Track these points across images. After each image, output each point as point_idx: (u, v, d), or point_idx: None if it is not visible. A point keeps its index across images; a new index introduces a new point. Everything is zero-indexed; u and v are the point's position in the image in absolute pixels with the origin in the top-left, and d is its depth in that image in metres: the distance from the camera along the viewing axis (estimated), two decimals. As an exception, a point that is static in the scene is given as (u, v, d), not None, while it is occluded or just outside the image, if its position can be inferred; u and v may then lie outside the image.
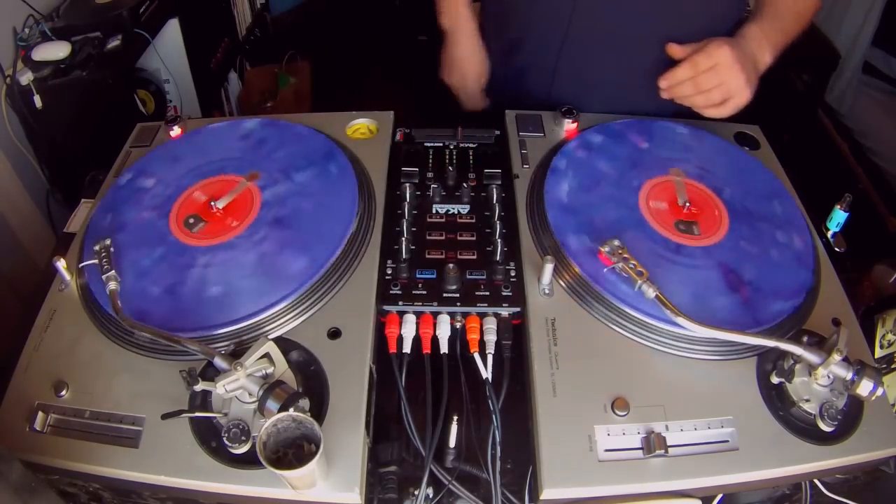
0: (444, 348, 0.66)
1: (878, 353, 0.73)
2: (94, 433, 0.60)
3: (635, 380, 0.63)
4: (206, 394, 0.60)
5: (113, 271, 0.66)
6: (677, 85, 0.80)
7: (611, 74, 0.95)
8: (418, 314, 0.68)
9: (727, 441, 0.60)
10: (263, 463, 0.50)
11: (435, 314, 0.68)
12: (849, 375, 0.57)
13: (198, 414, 0.58)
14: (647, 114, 0.91)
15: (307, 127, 0.87)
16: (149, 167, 0.83)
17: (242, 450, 0.55)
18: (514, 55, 1.01)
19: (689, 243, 0.72)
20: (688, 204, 0.75)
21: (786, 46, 0.86)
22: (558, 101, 0.91)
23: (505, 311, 0.68)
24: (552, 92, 0.98)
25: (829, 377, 0.60)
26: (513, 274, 0.71)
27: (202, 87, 2.02)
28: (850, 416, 0.61)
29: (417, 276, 0.71)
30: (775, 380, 0.62)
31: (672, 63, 0.82)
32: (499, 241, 0.73)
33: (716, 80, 0.77)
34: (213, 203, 0.75)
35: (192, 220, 0.74)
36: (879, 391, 0.56)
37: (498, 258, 0.72)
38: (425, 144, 0.87)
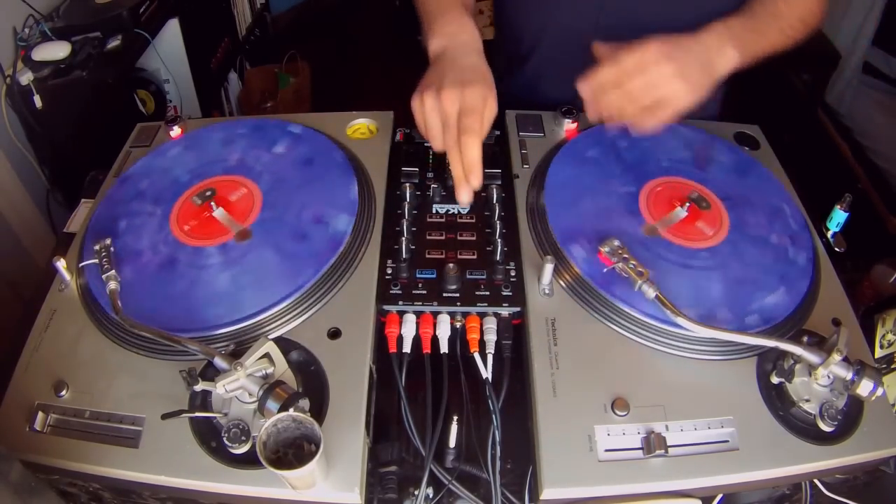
0: (444, 348, 0.66)
1: (878, 353, 0.73)
2: (94, 433, 0.60)
3: (635, 380, 0.63)
4: (206, 394, 0.60)
5: (113, 271, 0.66)
6: (602, 94, 0.71)
7: None
8: (418, 314, 0.68)
9: (727, 441, 0.60)
10: (263, 463, 0.50)
11: (435, 314, 0.68)
12: (849, 375, 0.57)
13: (198, 414, 0.58)
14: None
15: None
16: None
17: (242, 450, 0.55)
18: (529, 60, 0.98)
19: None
20: (688, 205, 0.75)
21: (770, 50, 0.79)
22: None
23: (505, 311, 0.68)
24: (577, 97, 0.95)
25: (829, 377, 0.60)
26: (513, 274, 0.71)
27: (202, 87, 2.02)
28: (850, 416, 0.61)
29: (417, 275, 0.71)
30: (775, 380, 0.62)
31: None
32: (499, 241, 0.73)
33: (643, 79, 0.68)
34: (212, 204, 0.75)
35: (208, 193, 0.75)
36: (879, 391, 0.56)
37: (498, 258, 0.72)
38: (425, 144, 0.87)
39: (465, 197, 0.72)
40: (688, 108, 0.70)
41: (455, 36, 0.76)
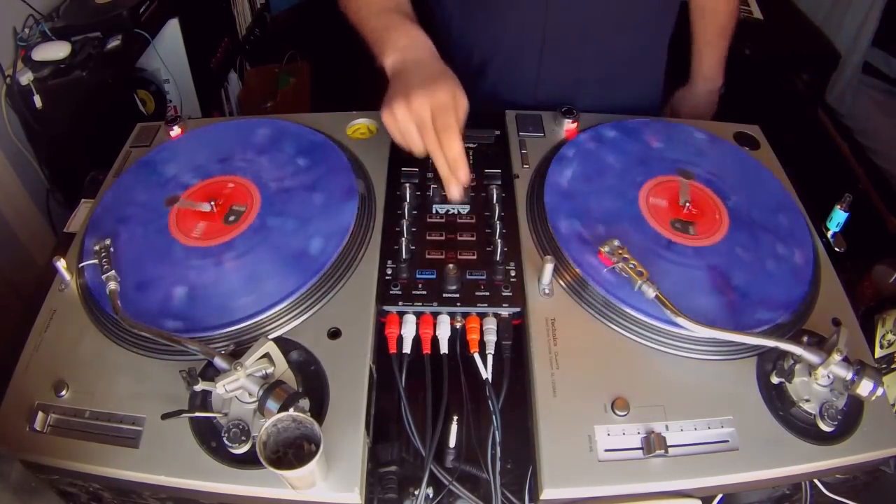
0: (444, 348, 0.66)
1: (878, 353, 0.73)
2: (94, 433, 0.60)
3: (635, 380, 0.63)
4: (206, 394, 0.60)
5: (113, 271, 0.67)
6: None
7: (594, 69, 0.97)
8: (418, 314, 0.68)
9: (727, 441, 0.60)
10: (263, 463, 0.50)
11: (435, 314, 0.68)
12: (849, 375, 0.57)
13: (198, 414, 0.58)
14: (636, 106, 0.96)
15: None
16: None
17: (242, 450, 0.55)
18: (484, 74, 1.00)
19: (688, 243, 0.72)
20: (688, 204, 0.75)
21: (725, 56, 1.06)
22: (545, 106, 0.92)
23: (505, 312, 0.68)
24: (537, 96, 0.99)
25: (829, 377, 0.60)
26: (513, 274, 0.71)
27: (202, 87, 2.02)
28: (850, 416, 0.61)
29: (417, 276, 0.71)
30: (775, 380, 0.62)
31: (641, 43, 0.98)
32: (499, 241, 0.73)
33: None
34: (211, 202, 0.75)
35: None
36: (879, 391, 0.56)
37: (498, 258, 0.72)
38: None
39: (455, 193, 0.73)
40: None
41: (409, 48, 0.77)
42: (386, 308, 0.69)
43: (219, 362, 0.57)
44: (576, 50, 0.94)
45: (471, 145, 0.87)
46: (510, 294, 0.69)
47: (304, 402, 0.55)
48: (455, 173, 0.72)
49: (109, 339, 0.66)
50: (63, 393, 0.61)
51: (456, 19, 1.00)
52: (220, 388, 0.55)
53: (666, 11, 0.98)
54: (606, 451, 0.59)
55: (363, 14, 0.84)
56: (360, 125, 0.90)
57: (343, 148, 0.84)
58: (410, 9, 0.87)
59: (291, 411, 0.52)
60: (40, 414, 0.61)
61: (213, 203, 0.75)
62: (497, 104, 0.96)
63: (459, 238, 0.75)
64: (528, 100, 0.99)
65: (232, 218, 0.75)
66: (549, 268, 0.68)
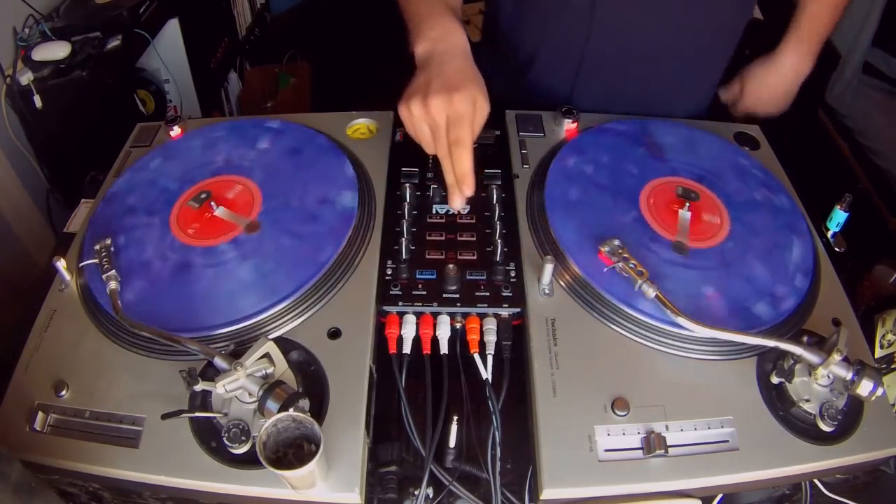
0: (444, 349, 0.66)
1: (878, 353, 0.73)
2: (94, 433, 0.60)
3: (635, 380, 0.63)
4: (206, 394, 0.60)
5: (113, 271, 0.67)
6: None
7: (632, 90, 0.95)
8: (418, 315, 0.68)
9: (727, 441, 0.60)
10: (263, 463, 0.50)
11: (435, 315, 0.68)
12: (849, 375, 0.57)
13: (198, 414, 0.58)
14: (669, 116, 0.92)
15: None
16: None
17: (242, 450, 0.55)
18: (521, 79, 0.98)
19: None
20: (687, 205, 0.75)
21: (828, 31, 0.94)
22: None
23: (505, 312, 0.68)
24: (574, 100, 0.96)
25: (829, 377, 0.60)
26: (513, 274, 0.71)
27: (202, 87, 2.02)
28: (850, 416, 0.61)
29: (417, 276, 0.71)
30: (775, 380, 0.62)
31: (687, 76, 0.94)
32: (499, 241, 0.73)
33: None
34: (212, 203, 0.75)
35: (204, 195, 0.76)
36: (879, 391, 0.56)
37: (498, 258, 0.72)
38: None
39: (457, 203, 0.73)
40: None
41: (441, 39, 0.74)
42: (386, 308, 0.69)
43: (219, 362, 0.57)
44: (616, 66, 0.92)
45: None
46: (510, 294, 0.69)
47: (304, 402, 0.55)
48: (461, 187, 0.71)
49: (109, 339, 0.66)
50: (63, 393, 0.61)
51: (505, 11, 0.98)
52: (220, 388, 0.55)
53: (717, 46, 0.94)
54: (606, 451, 0.59)
55: None
56: (360, 125, 0.90)
57: (343, 148, 0.84)
58: (457, 1, 0.84)
59: (291, 411, 0.52)
60: (40, 414, 0.61)
61: (213, 203, 0.75)
62: (536, 103, 0.94)
63: (459, 238, 0.75)
64: (564, 100, 0.96)
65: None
66: (549, 268, 0.68)
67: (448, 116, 0.68)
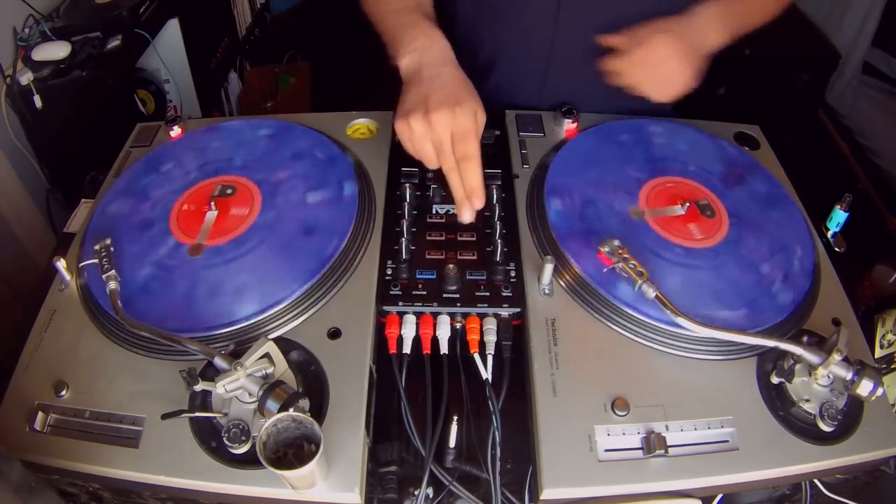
0: (444, 349, 0.66)
1: (878, 353, 0.73)
2: (94, 433, 0.60)
3: (635, 380, 0.63)
4: (206, 394, 0.60)
5: (113, 271, 0.66)
6: (617, 77, 0.80)
7: (598, 90, 0.91)
8: (418, 315, 0.68)
9: (727, 441, 0.60)
10: (263, 463, 0.50)
11: (435, 315, 0.68)
12: (849, 375, 0.57)
13: (198, 414, 0.58)
14: (643, 112, 0.91)
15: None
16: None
17: (242, 450, 0.55)
18: (484, 81, 0.97)
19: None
20: (687, 205, 0.75)
21: (742, 33, 0.83)
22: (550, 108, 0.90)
23: (505, 312, 0.68)
24: (542, 101, 0.96)
25: (829, 377, 0.60)
26: (513, 274, 0.71)
27: (202, 87, 2.02)
28: (850, 416, 0.61)
29: (417, 276, 0.71)
30: (775, 380, 0.62)
31: None
32: (499, 241, 0.73)
33: (646, 72, 0.77)
34: (211, 203, 0.75)
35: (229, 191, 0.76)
36: (879, 391, 0.56)
37: (498, 258, 0.72)
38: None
39: (467, 217, 0.72)
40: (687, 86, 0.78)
41: (426, 50, 0.73)
42: (386, 308, 0.69)
43: (219, 362, 0.57)
44: (584, 67, 0.90)
45: None
46: (510, 294, 0.69)
47: (304, 402, 0.55)
48: (471, 200, 0.70)
49: (109, 339, 0.66)
50: (63, 393, 0.61)
51: (464, 14, 0.97)
52: (220, 388, 0.55)
53: None
54: (606, 451, 0.59)
55: (381, 9, 0.81)
56: (360, 125, 0.90)
57: (343, 148, 0.84)
58: (431, 8, 0.84)
59: (291, 411, 0.52)
60: (40, 414, 0.61)
61: (213, 203, 0.75)
62: (499, 105, 0.94)
63: (459, 238, 0.75)
64: (531, 102, 0.97)
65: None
66: (549, 268, 0.68)
67: (453, 132, 0.67)
